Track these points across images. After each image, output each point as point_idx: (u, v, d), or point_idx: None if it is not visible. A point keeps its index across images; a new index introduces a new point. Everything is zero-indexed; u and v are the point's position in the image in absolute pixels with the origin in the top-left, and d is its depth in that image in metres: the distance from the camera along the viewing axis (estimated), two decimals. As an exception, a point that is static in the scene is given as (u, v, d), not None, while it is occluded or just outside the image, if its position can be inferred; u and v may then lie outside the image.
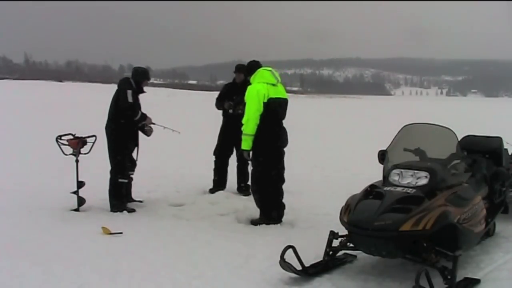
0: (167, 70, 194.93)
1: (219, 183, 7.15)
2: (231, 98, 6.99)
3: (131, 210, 6.09)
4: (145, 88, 6.34)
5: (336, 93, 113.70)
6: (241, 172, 7.11)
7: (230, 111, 6.95)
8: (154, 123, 6.32)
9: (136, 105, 6.12)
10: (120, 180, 6.10)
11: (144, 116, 6.17)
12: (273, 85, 5.54)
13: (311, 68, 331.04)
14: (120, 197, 6.12)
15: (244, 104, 5.86)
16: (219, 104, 7.14)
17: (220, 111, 7.22)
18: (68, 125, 8.38)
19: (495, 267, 4.39)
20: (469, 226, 4.10)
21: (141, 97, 6.31)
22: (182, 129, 7.64)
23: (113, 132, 6.06)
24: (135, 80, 6.19)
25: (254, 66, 5.81)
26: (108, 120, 6.16)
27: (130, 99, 5.98)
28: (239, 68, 7.09)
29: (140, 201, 6.40)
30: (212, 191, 7.05)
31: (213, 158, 7.24)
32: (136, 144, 6.26)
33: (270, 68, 5.69)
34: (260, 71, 5.63)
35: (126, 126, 6.08)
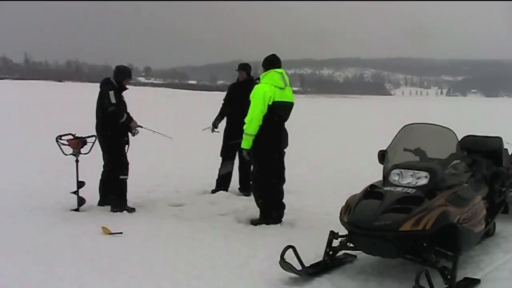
0: (167, 70, 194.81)
1: (222, 183, 7.16)
2: (237, 98, 6.92)
3: (131, 210, 6.10)
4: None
5: (336, 93, 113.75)
6: (242, 172, 7.11)
7: (214, 130, 7.08)
8: (141, 126, 6.29)
9: (121, 105, 6.09)
10: (122, 177, 6.12)
11: (129, 119, 6.17)
12: (281, 88, 5.53)
13: (311, 68, 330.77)
14: (123, 195, 6.13)
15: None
16: (224, 109, 7.17)
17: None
18: (68, 125, 8.38)
19: (495, 267, 4.39)
20: (469, 226, 4.10)
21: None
22: (182, 129, 7.64)
23: (107, 133, 6.05)
24: (117, 80, 6.17)
25: (270, 61, 5.67)
26: (98, 124, 6.14)
27: (113, 100, 5.97)
28: (242, 67, 7.11)
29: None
30: (214, 191, 7.05)
31: (220, 159, 7.24)
32: (127, 142, 6.26)
33: (281, 71, 5.64)
34: (271, 72, 5.58)
35: (117, 126, 6.08)
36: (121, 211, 6.01)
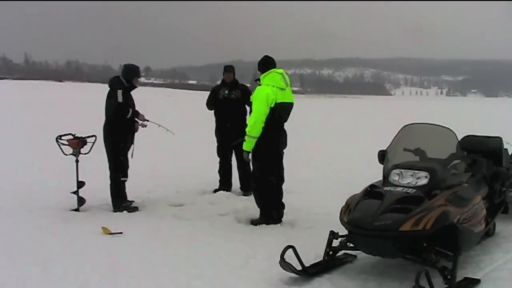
0: (167, 70, 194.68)
1: (223, 183, 7.19)
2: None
3: (135, 209, 6.11)
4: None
5: (336, 93, 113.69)
6: (241, 170, 7.12)
7: (226, 91, 7.04)
8: (147, 120, 6.31)
9: (128, 103, 6.09)
10: (122, 179, 6.13)
11: (136, 113, 6.18)
12: (282, 89, 5.52)
13: (311, 68, 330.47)
14: (123, 196, 6.15)
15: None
16: (210, 105, 7.23)
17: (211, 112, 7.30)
18: (68, 125, 8.38)
19: (495, 267, 4.39)
20: (469, 226, 4.10)
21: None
22: (182, 129, 7.64)
23: (112, 132, 6.06)
24: (126, 78, 6.18)
25: (267, 63, 5.68)
26: (106, 121, 6.15)
27: (120, 99, 5.98)
28: (228, 69, 7.21)
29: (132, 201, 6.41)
30: (216, 190, 7.07)
31: (217, 159, 7.30)
32: (132, 142, 6.27)
33: (281, 71, 5.64)
34: (271, 73, 5.57)
35: (123, 125, 6.09)
36: (122, 210, 6.02)
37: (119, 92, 5.99)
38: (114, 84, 6.12)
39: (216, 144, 7.29)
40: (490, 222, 4.86)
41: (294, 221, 5.69)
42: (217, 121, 7.22)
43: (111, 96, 6.05)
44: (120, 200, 6.10)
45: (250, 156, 5.63)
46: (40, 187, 7.27)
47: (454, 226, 3.88)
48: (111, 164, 6.13)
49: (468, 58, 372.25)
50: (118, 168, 6.11)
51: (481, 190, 4.76)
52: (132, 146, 6.24)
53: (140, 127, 6.28)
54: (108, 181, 6.14)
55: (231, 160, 7.21)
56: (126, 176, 6.20)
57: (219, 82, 7.48)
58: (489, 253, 4.73)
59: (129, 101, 6.12)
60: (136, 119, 6.20)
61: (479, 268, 4.34)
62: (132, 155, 6.24)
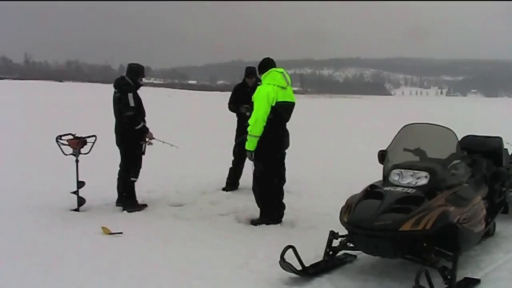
0: (167, 70, 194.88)
1: (231, 184, 7.23)
2: (244, 101, 6.86)
3: (143, 206, 6.17)
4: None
5: (336, 93, 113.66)
6: (235, 168, 7.15)
7: (248, 113, 6.93)
8: (154, 138, 6.28)
9: (140, 109, 6.09)
10: (132, 179, 6.16)
11: (145, 129, 6.14)
12: (283, 88, 5.52)
13: (311, 68, 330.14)
14: (134, 195, 6.18)
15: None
16: (234, 107, 7.19)
17: (232, 113, 7.30)
18: (68, 125, 8.38)
19: (495, 267, 4.39)
20: (469, 226, 4.10)
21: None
22: (182, 129, 7.63)
23: (125, 133, 6.07)
24: (132, 78, 6.17)
25: (267, 64, 5.71)
26: (117, 122, 6.16)
27: (131, 103, 5.97)
28: (250, 72, 7.06)
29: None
30: (225, 189, 7.12)
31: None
32: (144, 140, 6.27)
33: (282, 70, 5.64)
34: (272, 72, 5.59)
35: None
36: (134, 211, 6.03)
37: (130, 95, 5.98)
38: (122, 86, 6.09)
39: (232, 144, 7.28)
40: (490, 222, 4.86)
41: (294, 221, 5.69)
42: (238, 122, 7.19)
43: (121, 99, 6.02)
44: (131, 201, 6.13)
45: (253, 156, 5.62)
46: (40, 187, 7.27)
47: (454, 226, 3.88)
48: (124, 164, 6.15)
49: (468, 58, 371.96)
50: (131, 168, 6.13)
51: (481, 190, 4.76)
52: (144, 143, 6.24)
53: (146, 145, 6.25)
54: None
55: (243, 163, 7.13)
56: (137, 176, 6.21)
57: (242, 80, 7.24)
58: (489, 253, 4.73)
59: (140, 106, 6.12)
60: (146, 135, 6.15)
61: (479, 268, 4.34)
62: (144, 152, 6.25)
